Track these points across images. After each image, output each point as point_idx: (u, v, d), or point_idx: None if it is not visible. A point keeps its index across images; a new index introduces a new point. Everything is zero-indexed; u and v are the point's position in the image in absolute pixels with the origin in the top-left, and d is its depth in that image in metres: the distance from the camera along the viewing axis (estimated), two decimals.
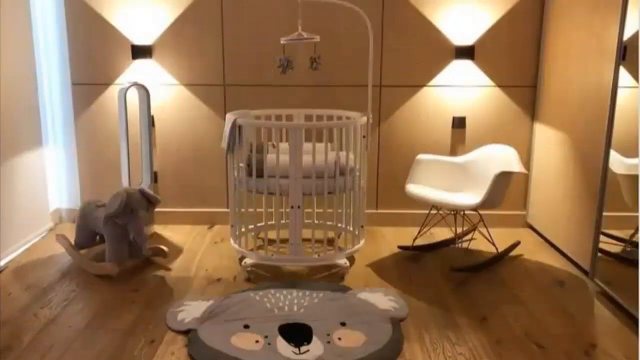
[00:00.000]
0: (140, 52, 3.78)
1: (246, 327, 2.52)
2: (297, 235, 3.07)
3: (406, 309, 2.75)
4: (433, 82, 3.85)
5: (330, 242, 3.53)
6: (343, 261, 3.19)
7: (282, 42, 3.17)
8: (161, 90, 3.86)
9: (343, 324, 2.56)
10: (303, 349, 2.35)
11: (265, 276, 3.16)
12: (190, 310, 2.68)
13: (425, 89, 3.86)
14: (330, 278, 3.14)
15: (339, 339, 2.43)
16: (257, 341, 2.41)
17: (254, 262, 3.17)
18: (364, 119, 3.14)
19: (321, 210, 3.65)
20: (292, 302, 2.75)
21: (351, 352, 2.33)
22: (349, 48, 3.79)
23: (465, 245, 3.62)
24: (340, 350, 2.34)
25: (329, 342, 2.40)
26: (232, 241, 3.27)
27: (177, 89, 3.87)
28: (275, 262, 3.21)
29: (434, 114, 3.89)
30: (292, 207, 3.04)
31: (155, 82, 3.84)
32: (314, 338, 2.43)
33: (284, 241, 3.53)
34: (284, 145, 3.34)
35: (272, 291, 2.88)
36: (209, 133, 3.93)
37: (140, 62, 3.82)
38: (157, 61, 3.83)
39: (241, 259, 3.29)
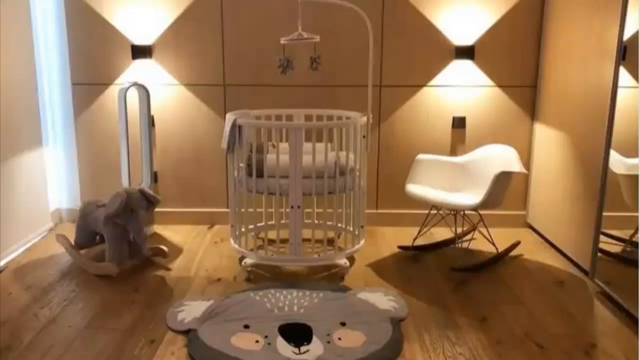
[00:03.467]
0: (140, 52, 3.78)
1: (246, 327, 2.52)
2: (297, 235, 3.07)
3: (406, 309, 2.75)
4: (433, 82, 3.85)
5: (330, 242, 3.53)
6: (343, 261, 3.18)
7: (282, 42, 3.17)
8: (161, 90, 3.87)
9: (343, 324, 2.56)
10: (303, 349, 2.35)
11: (265, 276, 3.16)
12: (190, 310, 2.68)
13: (425, 89, 3.86)
14: (330, 278, 3.14)
15: (339, 339, 2.43)
16: (257, 341, 2.41)
17: (254, 262, 3.17)
18: (364, 119, 3.14)
19: (321, 210, 3.65)
20: (292, 302, 2.75)
21: (351, 352, 2.33)
22: (349, 48, 3.79)
23: (465, 245, 3.62)
24: (340, 350, 2.34)
25: (329, 342, 2.40)
26: (232, 241, 3.27)
27: (177, 89, 3.87)
28: (275, 262, 3.21)
29: (434, 114, 3.89)
30: (292, 207, 3.04)
31: (155, 82, 3.84)
32: (314, 338, 2.43)
33: (284, 241, 3.53)
34: (284, 145, 3.34)
35: (272, 291, 2.88)
36: (209, 133, 3.93)
37: (140, 62, 3.82)
38: (157, 61, 3.83)
39: (241, 259, 3.30)
